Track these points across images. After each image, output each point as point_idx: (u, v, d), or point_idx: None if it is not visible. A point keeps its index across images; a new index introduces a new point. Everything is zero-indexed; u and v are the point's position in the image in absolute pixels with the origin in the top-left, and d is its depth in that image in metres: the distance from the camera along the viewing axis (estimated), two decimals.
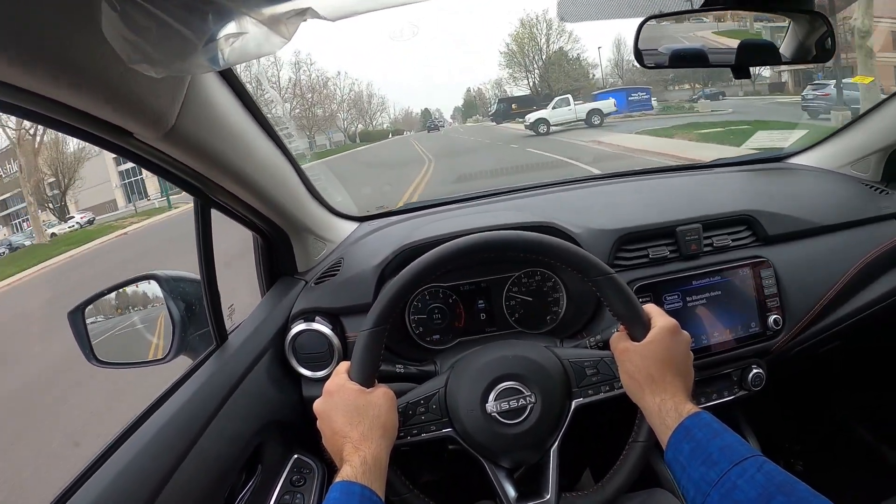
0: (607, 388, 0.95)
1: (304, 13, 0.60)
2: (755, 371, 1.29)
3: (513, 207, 1.50)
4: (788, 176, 1.68)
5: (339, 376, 0.90)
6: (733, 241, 1.33)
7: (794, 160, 1.78)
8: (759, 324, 1.28)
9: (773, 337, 1.29)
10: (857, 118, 1.64)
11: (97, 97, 0.64)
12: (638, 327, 0.90)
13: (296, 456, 1.18)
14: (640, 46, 1.08)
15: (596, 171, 1.83)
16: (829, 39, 1.19)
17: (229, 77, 0.91)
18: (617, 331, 1.00)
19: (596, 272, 0.92)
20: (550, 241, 0.94)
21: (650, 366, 0.87)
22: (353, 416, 0.84)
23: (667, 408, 0.83)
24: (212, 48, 0.61)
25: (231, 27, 0.61)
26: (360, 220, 1.56)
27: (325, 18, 0.62)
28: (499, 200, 1.58)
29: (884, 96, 1.52)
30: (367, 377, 0.88)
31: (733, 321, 1.27)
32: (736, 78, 1.11)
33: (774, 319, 1.28)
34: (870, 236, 1.46)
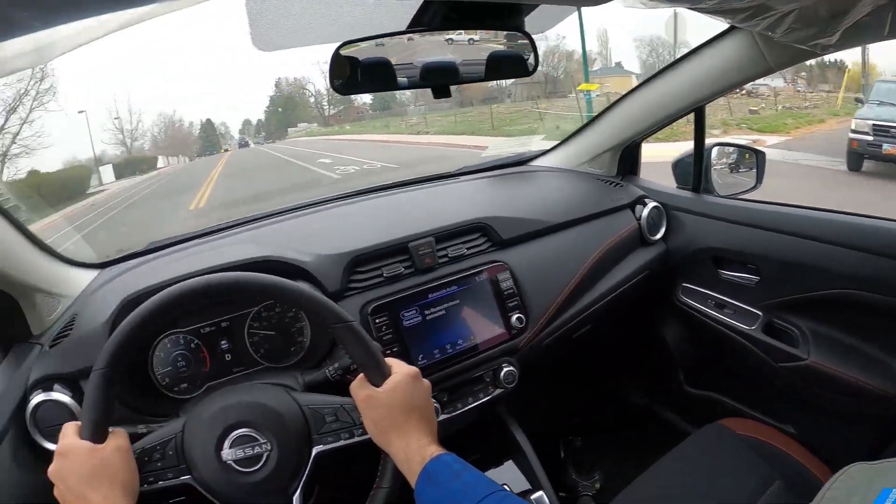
0: (347, 436, 0.94)
1: None
2: (507, 369, 1.35)
3: (248, 240, 1.45)
4: (529, 179, 1.81)
5: (68, 437, 0.83)
6: (468, 249, 1.39)
7: (537, 162, 1.93)
8: (503, 324, 1.35)
9: (519, 335, 1.37)
10: (591, 120, 1.81)
11: None
12: (377, 374, 0.91)
13: None
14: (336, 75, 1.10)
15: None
16: (533, 57, 1.28)
17: None
18: (352, 366, 1.01)
19: (334, 319, 0.92)
20: (288, 286, 0.93)
21: (394, 412, 0.88)
22: (91, 479, 0.79)
23: (412, 452, 0.84)
24: None
25: None
26: (101, 266, 1.42)
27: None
28: (237, 232, 1.52)
29: None
30: (97, 430, 0.83)
31: (477, 326, 1.32)
32: (436, 98, 1.16)
33: (517, 318, 1.35)
34: (606, 227, 1.61)
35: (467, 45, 1.22)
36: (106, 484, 0.79)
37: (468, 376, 1.34)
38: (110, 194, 21.74)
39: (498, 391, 1.37)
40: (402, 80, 1.12)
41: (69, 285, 1.28)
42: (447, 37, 1.21)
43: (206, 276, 0.93)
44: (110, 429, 0.86)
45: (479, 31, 1.23)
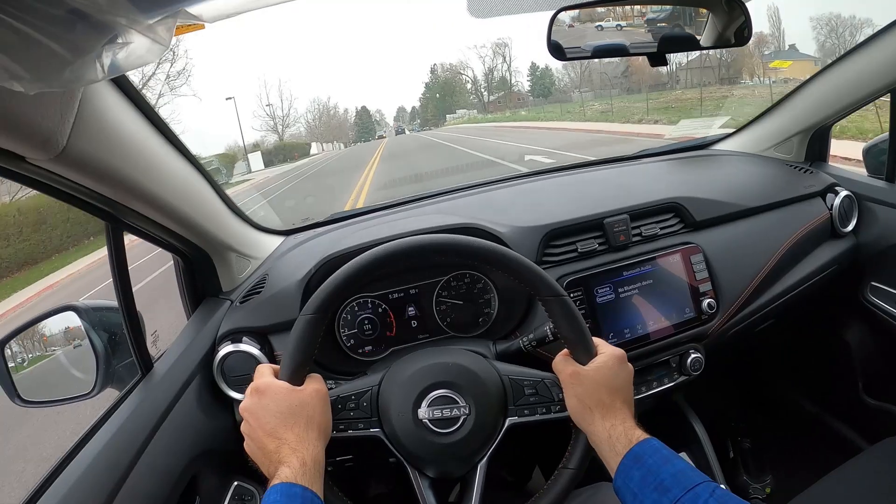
0: (543, 411, 0.92)
1: (176, 15, 0.57)
2: (694, 356, 1.31)
3: (438, 211, 1.48)
4: (714, 162, 1.72)
5: (265, 377, 0.85)
6: (662, 229, 1.35)
7: (719, 146, 1.83)
8: (694, 308, 1.30)
9: (709, 321, 1.31)
10: (777, 102, 1.69)
11: None
12: (584, 352, 0.89)
13: (236, 483, 1.13)
14: (555, 41, 1.09)
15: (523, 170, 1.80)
16: (746, 27, 1.23)
17: (129, 91, 0.86)
18: (548, 338, 1.00)
19: (549, 292, 0.90)
20: (505, 253, 0.92)
21: (601, 391, 0.85)
22: (287, 417, 0.80)
23: (617, 433, 0.82)
24: (88, 60, 0.57)
25: (106, 38, 0.58)
26: (286, 233, 1.52)
27: (200, 21, 0.59)
28: (423, 205, 1.56)
29: None
30: (298, 373, 0.84)
31: (668, 308, 1.28)
32: (652, 65, 1.12)
33: (708, 303, 1.29)
34: (796, 215, 1.50)
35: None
36: (302, 424, 0.80)
37: (654, 360, 1.30)
38: (255, 184, 20.20)
39: (682, 378, 1.33)
40: (618, 46, 1.10)
41: (259, 248, 1.38)
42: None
43: (422, 236, 0.93)
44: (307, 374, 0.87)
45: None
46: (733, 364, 1.81)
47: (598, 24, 1.15)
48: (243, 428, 0.84)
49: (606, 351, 0.90)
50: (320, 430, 0.82)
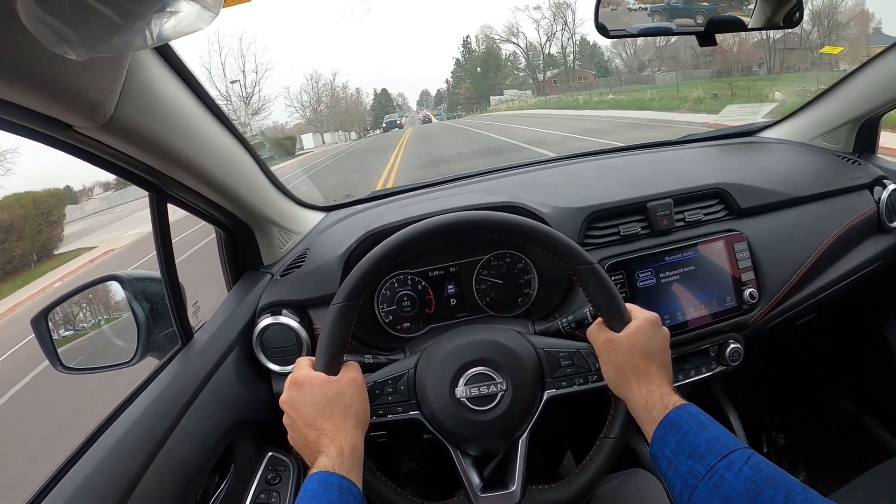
0: (581, 381, 0.92)
1: None
2: (733, 346, 1.28)
3: (479, 190, 1.47)
4: (760, 150, 1.67)
5: (302, 369, 0.87)
6: (706, 215, 1.32)
7: (765, 134, 1.78)
8: (735, 298, 1.27)
9: (750, 310, 1.28)
10: (827, 90, 1.63)
11: (26, 86, 0.60)
12: (618, 319, 0.88)
13: (270, 453, 1.15)
14: (602, 20, 1.08)
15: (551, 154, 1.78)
16: (798, 11, 1.19)
17: (175, 63, 0.86)
18: (587, 320, 0.99)
19: (580, 261, 0.90)
20: (533, 226, 0.91)
21: (636, 357, 0.85)
22: (324, 407, 0.81)
23: (653, 399, 0.82)
24: (138, 27, 0.58)
25: (158, 4, 0.58)
26: (327, 209, 1.53)
27: None
28: (465, 184, 1.56)
29: None
30: (333, 363, 0.85)
31: (709, 296, 1.25)
32: (701, 46, 1.10)
33: (750, 293, 1.27)
34: (843, 207, 1.46)
35: None
36: (339, 414, 0.81)
37: (693, 348, 1.28)
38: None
39: (720, 368, 1.30)
40: (663, 26, 1.07)
41: (300, 223, 1.39)
42: None
43: (456, 213, 0.92)
44: (344, 359, 0.88)
45: None
46: (772, 357, 1.77)
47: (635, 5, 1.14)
48: (285, 420, 0.85)
49: (640, 315, 0.89)
50: (358, 419, 0.83)
